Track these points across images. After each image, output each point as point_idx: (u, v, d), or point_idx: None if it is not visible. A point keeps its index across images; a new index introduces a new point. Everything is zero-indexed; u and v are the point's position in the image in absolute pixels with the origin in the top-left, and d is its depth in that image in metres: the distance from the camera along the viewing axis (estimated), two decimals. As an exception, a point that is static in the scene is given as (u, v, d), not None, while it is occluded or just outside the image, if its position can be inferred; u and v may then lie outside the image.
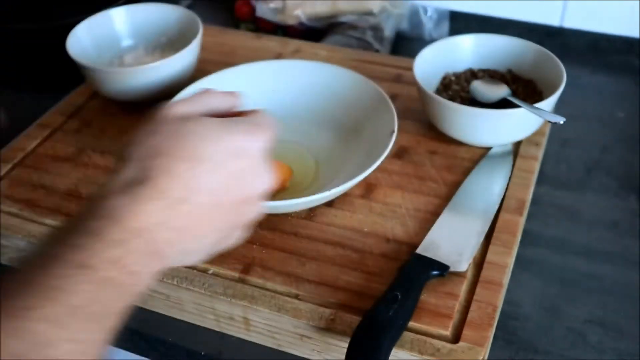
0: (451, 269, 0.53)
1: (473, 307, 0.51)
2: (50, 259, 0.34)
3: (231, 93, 0.46)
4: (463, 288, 0.53)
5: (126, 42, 0.80)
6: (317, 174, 0.64)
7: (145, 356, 0.59)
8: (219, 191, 0.40)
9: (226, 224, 0.42)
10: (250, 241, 0.58)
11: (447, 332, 0.50)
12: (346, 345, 0.47)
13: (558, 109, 0.71)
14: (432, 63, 0.70)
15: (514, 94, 0.68)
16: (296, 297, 0.53)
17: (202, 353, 0.54)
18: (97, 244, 0.35)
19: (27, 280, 0.33)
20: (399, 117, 0.63)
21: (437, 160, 0.65)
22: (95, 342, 0.35)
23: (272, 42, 0.85)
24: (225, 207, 0.41)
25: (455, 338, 0.49)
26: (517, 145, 0.67)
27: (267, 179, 0.43)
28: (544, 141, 0.68)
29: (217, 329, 0.56)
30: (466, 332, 0.49)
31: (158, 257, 0.38)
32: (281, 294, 0.53)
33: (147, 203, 0.37)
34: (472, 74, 0.72)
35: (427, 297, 0.52)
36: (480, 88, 0.68)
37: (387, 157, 0.58)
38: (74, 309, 0.33)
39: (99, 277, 0.34)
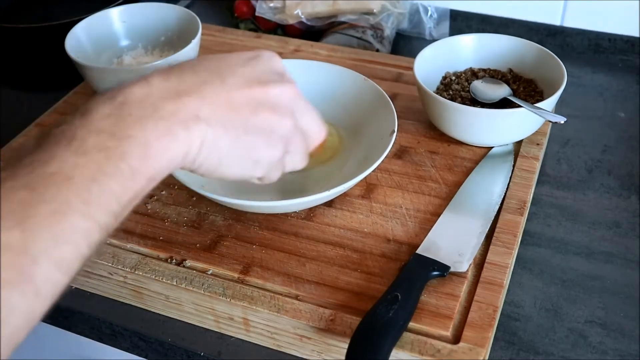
0: (452, 270, 0.53)
1: (474, 307, 0.51)
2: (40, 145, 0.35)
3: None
4: (463, 288, 0.52)
5: (125, 41, 0.80)
6: (317, 173, 0.64)
7: (144, 356, 0.58)
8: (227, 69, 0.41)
9: (248, 122, 0.41)
10: (249, 241, 0.57)
11: (448, 333, 0.49)
12: (346, 345, 0.47)
13: (559, 108, 0.71)
14: (432, 62, 0.69)
15: (515, 93, 0.68)
16: (296, 297, 0.53)
17: (202, 354, 0.54)
18: (86, 121, 0.35)
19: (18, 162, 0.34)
20: (399, 117, 0.62)
21: (438, 160, 0.65)
22: (82, 216, 0.33)
23: (271, 41, 0.85)
24: (242, 100, 0.40)
25: (456, 339, 0.49)
26: (518, 145, 0.66)
27: (285, 83, 0.43)
28: (544, 141, 0.67)
29: (216, 330, 0.56)
30: (467, 332, 0.49)
31: (169, 133, 0.36)
32: (281, 294, 0.53)
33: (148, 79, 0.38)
34: (473, 74, 0.71)
35: (428, 298, 0.51)
36: (481, 88, 0.68)
37: (387, 157, 0.58)
38: (50, 175, 0.33)
39: (84, 145, 0.34)
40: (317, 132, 0.46)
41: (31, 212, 0.31)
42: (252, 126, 0.41)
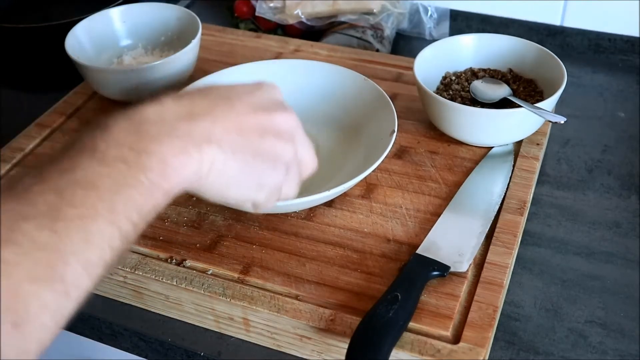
0: (452, 270, 0.53)
1: (473, 307, 0.51)
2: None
3: None
4: (463, 288, 0.52)
5: (125, 41, 0.80)
6: (317, 173, 0.64)
7: (145, 356, 0.59)
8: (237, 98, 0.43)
9: (255, 145, 0.42)
10: (249, 241, 0.57)
11: (448, 333, 0.49)
12: (346, 345, 0.47)
13: (559, 108, 0.71)
14: (432, 62, 0.69)
15: (515, 93, 0.68)
16: (296, 297, 0.53)
17: (202, 353, 0.54)
18: (106, 135, 0.37)
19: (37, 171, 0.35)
20: (399, 117, 0.62)
21: (438, 160, 0.65)
22: (105, 225, 0.34)
23: (271, 41, 0.85)
24: (251, 125, 0.42)
25: (456, 339, 0.49)
26: (518, 145, 0.66)
27: (288, 113, 0.45)
28: (544, 141, 0.67)
29: (216, 330, 0.56)
30: (467, 332, 0.49)
31: (184, 152, 0.38)
32: (281, 294, 0.53)
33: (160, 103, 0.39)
34: (473, 74, 0.71)
35: (428, 298, 0.51)
36: (481, 88, 0.68)
37: (387, 157, 0.58)
38: (76, 182, 0.34)
39: (106, 156, 0.35)
40: (310, 162, 0.48)
41: (60, 215, 0.32)
42: (260, 150, 0.42)
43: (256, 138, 0.42)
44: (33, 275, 0.30)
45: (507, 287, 0.55)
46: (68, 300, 0.32)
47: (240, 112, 0.42)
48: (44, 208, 0.32)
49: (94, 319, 0.58)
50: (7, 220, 0.31)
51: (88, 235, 0.33)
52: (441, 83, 0.71)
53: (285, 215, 0.60)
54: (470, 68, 0.72)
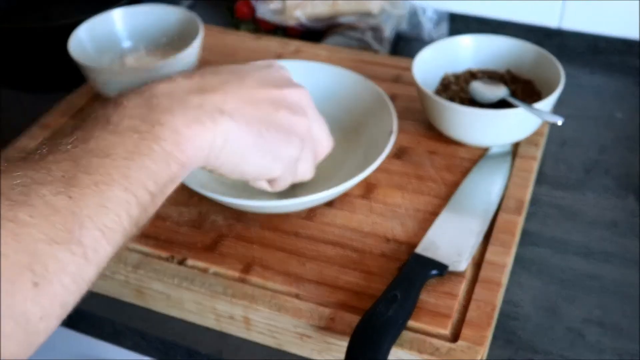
0: (450, 269, 0.53)
1: (472, 306, 0.51)
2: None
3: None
4: (462, 288, 0.53)
5: (127, 43, 0.81)
6: (317, 173, 0.64)
7: (146, 355, 0.59)
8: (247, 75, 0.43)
9: (267, 117, 0.43)
10: (250, 241, 0.58)
11: (446, 332, 0.50)
12: (346, 344, 0.47)
13: (557, 109, 0.71)
14: (431, 63, 0.70)
15: (513, 94, 0.68)
16: (296, 296, 0.53)
17: (203, 352, 0.55)
18: (120, 109, 0.38)
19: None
20: (399, 117, 0.63)
21: (437, 161, 0.65)
22: (118, 198, 0.34)
23: (272, 42, 0.85)
24: (261, 97, 0.43)
25: (455, 337, 0.49)
26: (516, 145, 0.67)
27: (299, 88, 0.46)
28: (542, 141, 0.68)
29: (217, 329, 0.56)
30: (465, 331, 0.49)
31: (197, 122, 0.38)
32: (281, 293, 0.53)
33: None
34: (471, 75, 0.72)
35: (427, 297, 0.52)
36: (479, 88, 0.68)
37: (386, 157, 0.59)
38: (90, 151, 0.34)
39: (119, 127, 0.36)
40: (325, 141, 0.48)
41: (75, 181, 0.33)
42: (273, 122, 0.43)
43: (269, 110, 0.43)
44: (49, 236, 0.31)
45: (505, 286, 0.56)
46: (88, 263, 0.32)
47: (251, 86, 0.43)
48: (59, 174, 0.33)
49: (95, 317, 0.58)
50: (22, 185, 0.32)
51: (104, 201, 0.33)
52: (440, 84, 0.72)
53: (286, 215, 0.60)
54: (469, 69, 0.72)
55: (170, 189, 0.38)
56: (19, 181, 0.32)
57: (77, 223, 0.32)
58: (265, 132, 0.42)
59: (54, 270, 0.30)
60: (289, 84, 0.45)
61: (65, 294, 0.31)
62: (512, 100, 0.65)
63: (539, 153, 0.66)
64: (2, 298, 0.28)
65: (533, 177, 0.64)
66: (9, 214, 0.30)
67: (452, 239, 0.56)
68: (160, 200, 0.37)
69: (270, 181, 0.46)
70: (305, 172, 0.47)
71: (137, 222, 0.35)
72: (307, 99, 0.46)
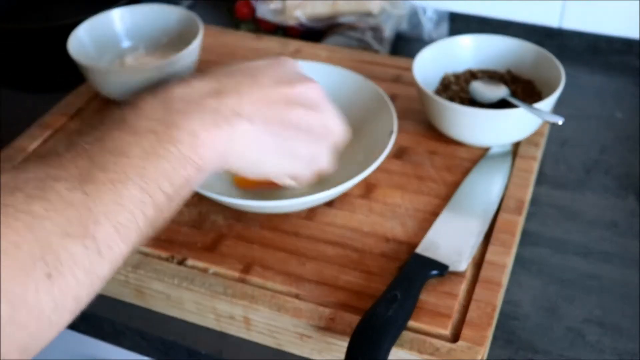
0: (450, 269, 0.53)
1: (472, 306, 0.51)
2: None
3: None
4: (462, 288, 0.53)
5: (127, 42, 0.81)
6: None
7: (146, 355, 0.59)
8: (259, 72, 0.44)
9: (280, 116, 0.43)
10: (250, 241, 0.58)
11: (447, 332, 0.50)
12: (346, 344, 0.47)
13: (557, 109, 0.71)
14: (431, 63, 0.70)
15: (513, 94, 0.68)
16: (296, 296, 0.53)
17: (203, 352, 0.55)
18: (136, 109, 0.38)
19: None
20: (399, 117, 0.63)
21: (437, 161, 0.65)
22: (133, 197, 0.35)
23: (272, 42, 0.85)
24: (274, 96, 0.43)
25: (455, 337, 0.50)
26: (516, 145, 0.67)
27: (311, 83, 0.46)
28: (543, 141, 0.68)
29: (217, 329, 0.56)
30: (465, 331, 0.49)
31: (214, 125, 0.38)
32: (281, 293, 0.53)
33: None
34: (472, 75, 0.72)
35: (427, 297, 0.52)
36: (480, 88, 0.68)
37: (386, 157, 0.59)
38: (107, 149, 0.35)
39: (136, 128, 0.36)
40: (340, 130, 0.48)
41: (91, 178, 0.33)
42: (289, 122, 0.43)
43: (283, 109, 0.43)
44: (63, 229, 0.31)
45: (505, 286, 0.56)
46: (101, 259, 0.32)
47: (264, 85, 0.43)
48: (75, 171, 0.33)
49: (96, 318, 0.58)
50: (37, 179, 0.32)
51: (118, 198, 0.33)
52: (440, 84, 0.72)
53: (286, 215, 0.60)
54: (469, 69, 0.72)
55: (187, 192, 0.38)
56: (34, 176, 0.32)
57: (91, 218, 0.32)
58: (282, 132, 0.43)
59: (67, 263, 0.31)
60: (300, 79, 0.46)
61: (78, 287, 0.32)
62: (512, 100, 0.65)
63: (539, 153, 0.66)
64: (16, 288, 0.28)
65: (533, 177, 0.64)
66: (23, 206, 0.30)
67: (452, 239, 0.56)
68: (176, 203, 0.38)
69: (293, 177, 0.47)
70: (324, 163, 0.48)
71: (152, 223, 0.36)
72: (319, 93, 0.47)
